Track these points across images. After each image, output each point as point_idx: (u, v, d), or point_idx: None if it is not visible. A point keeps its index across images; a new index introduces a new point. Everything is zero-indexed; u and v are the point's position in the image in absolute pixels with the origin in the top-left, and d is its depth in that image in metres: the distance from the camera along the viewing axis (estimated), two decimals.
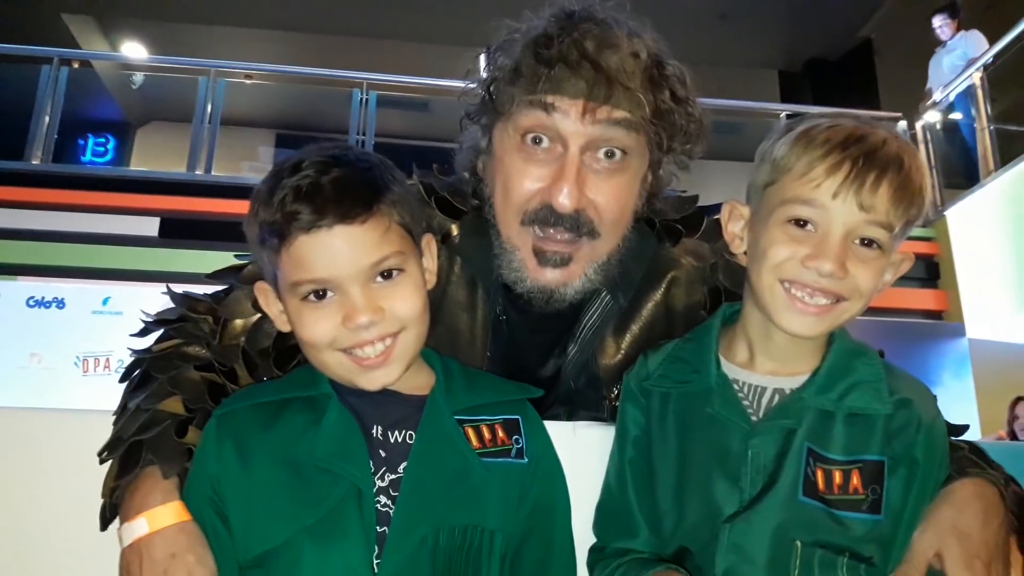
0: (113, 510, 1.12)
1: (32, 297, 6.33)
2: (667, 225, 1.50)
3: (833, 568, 1.01)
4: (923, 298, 7.15)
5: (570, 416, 1.40)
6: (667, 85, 1.33)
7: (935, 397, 1.10)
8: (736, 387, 1.12)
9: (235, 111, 8.29)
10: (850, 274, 1.03)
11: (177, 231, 6.75)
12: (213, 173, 7.53)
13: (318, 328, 1.05)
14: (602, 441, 1.24)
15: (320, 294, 1.04)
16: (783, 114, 8.06)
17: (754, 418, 1.08)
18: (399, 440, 1.08)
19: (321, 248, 1.02)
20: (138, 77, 9.71)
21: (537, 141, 1.31)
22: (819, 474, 1.03)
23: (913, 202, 1.04)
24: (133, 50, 10.85)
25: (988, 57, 7.28)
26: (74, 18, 9.96)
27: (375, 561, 1.01)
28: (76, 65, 8.53)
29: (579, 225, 1.30)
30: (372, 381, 1.07)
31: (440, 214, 1.45)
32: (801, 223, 1.05)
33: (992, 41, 7.41)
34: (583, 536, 1.20)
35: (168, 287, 1.37)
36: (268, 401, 1.11)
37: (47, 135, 7.44)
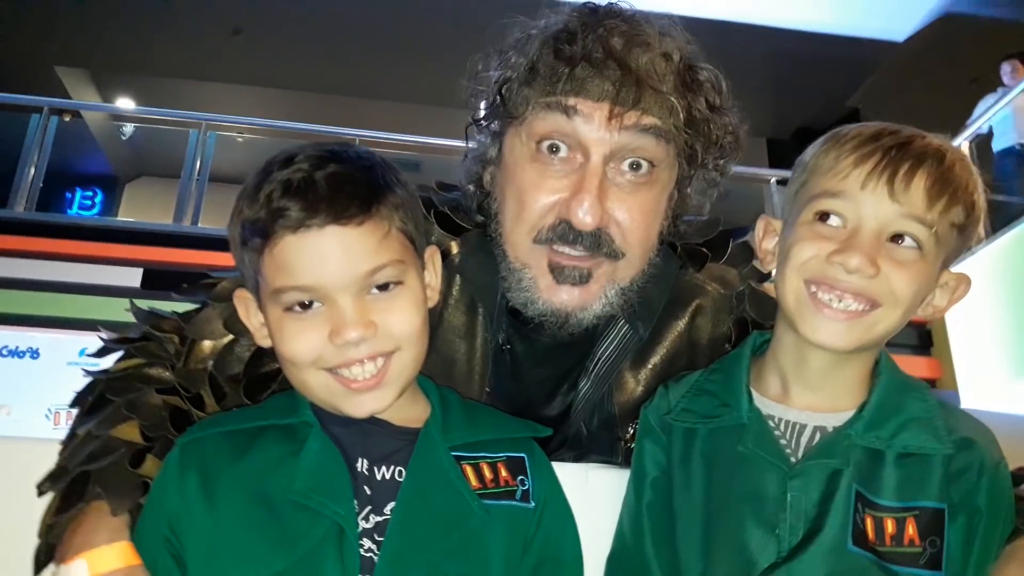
0: (49, 551, 0.96)
1: (6, 347, 6.13)
2: (691, 249, 1.37)
3: None
4: (916, 366, 7.05)
5: (579, 461, 1.25)
6: (701, 91, 1.19)
7: (996, 439, 0.97)
8: (771, 423, 0.99)
9: (224, 167, 8.25)
10: (883, 274, 0.91)
11: (160, 282, 6.60)
12: (200, 225, 7.43)
13: (301, 343, 0.92)
14: (617, 486, 1.10)
15: (306, 304, 0.92)
16: (773, 180, 8.09)
17: (793, 459, 0.96)
18: (387, 477, 0.94)
19: (309, 251, 0.89)
20: (128, 128, 9.70)
21: (554, 149, 1.17)
22: (869, 522, 0.90)
23: (956, 200, 0.92)
24: (126, 105, 10.87)
25: (972, 129, 7.37)
26: (68, 71, 9.98)
27: None
28: (68, 118, 8.50)
29: (600, 243, 1.16)
30: (360, 407, 0.94)
31: (440, 230, 1.30)
32: (828, 217, 0.95)
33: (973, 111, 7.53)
34: None
35: (132, 302, 1.22)
36: (241, 429, 0.97)
37: (32, 185, 7.34)
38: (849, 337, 0.94)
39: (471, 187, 1.32)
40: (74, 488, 0.97)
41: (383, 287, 0.93)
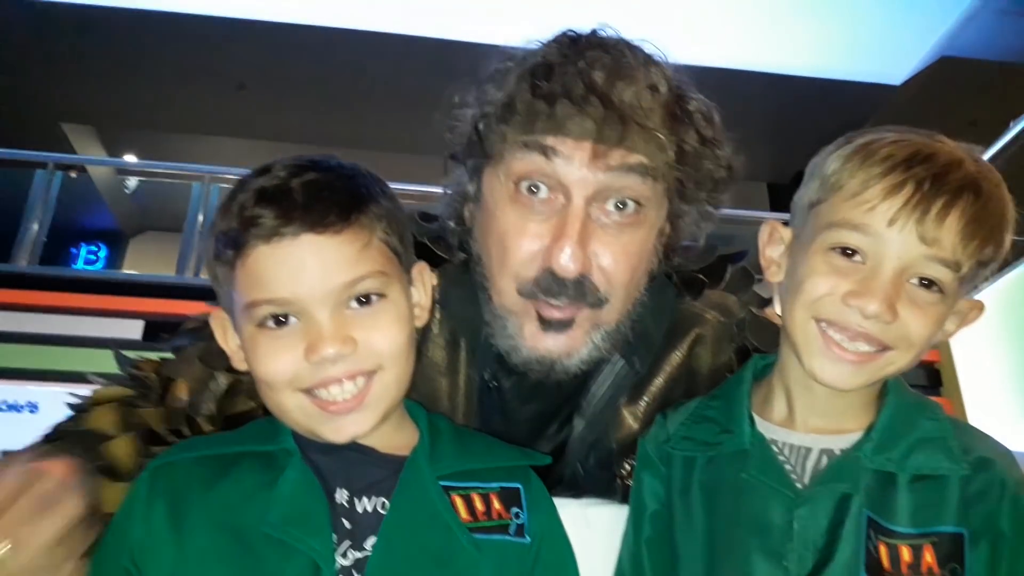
0: None
1: (4, 401, 6.07)
2: (687, 277, 1.30)
3: None
4: (939, 404, 6.96)
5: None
6: (691, 123, 1.12)
7: (1015, 458, 0.91)
8: (775, 448, 0.94)
9: None
10: (900, 319, 0.85)
11: (161, 333, 6.57)
12: (203, 276, 7.42)
13: (275, 361, 0.86)
14: (616, 523, 1.05)
15: (281, 319, 0.86)
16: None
17: (799, 484, 0.90)
18: (368, 509, 0.88)
19: (283, 261, 0.84)
20: (132, 182, 9.76)
21: (534, 190, 1.09)
22: (883, 550, 0.84)
23: (990, 239, 0.86)
24: (131, 160, 10.98)
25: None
26: (73, 127, 10.08)
27: None
28: (73, 174, 8.57)
29: (584, 293, 1.09)
30: (339, 431, 0.88)
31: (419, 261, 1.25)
32: (848, 252, 0.87)
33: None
34: None
35: (115, 350, 1.18)
36: (217, 455, 0.91)
37: (36, 240, 7.36)
38: (857, 380, 0.89)
39: (451, 223, 1.26)
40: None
41: (364, 301, 0.88)
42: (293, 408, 0.88)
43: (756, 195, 11.02)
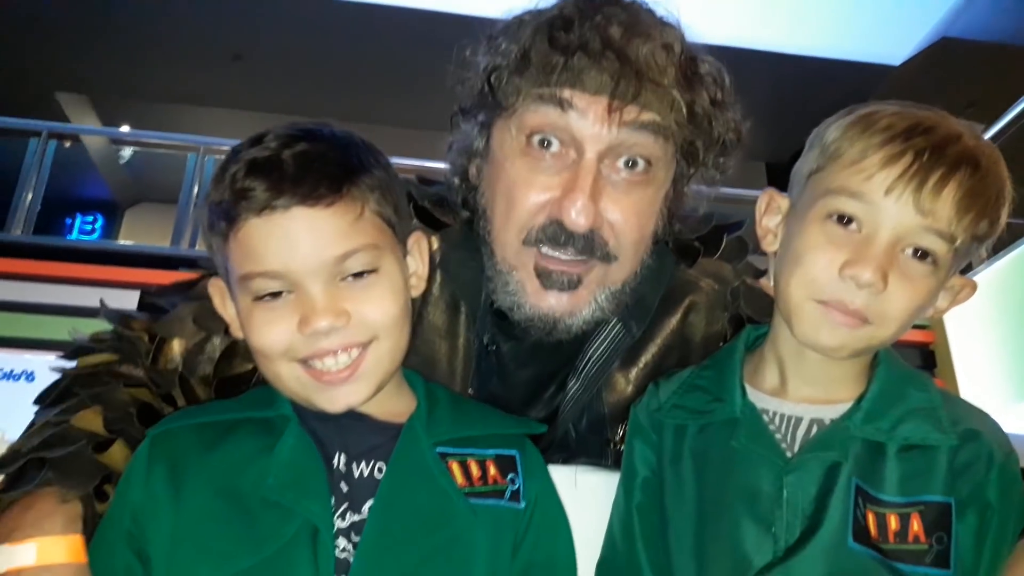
0: None
1: (1, 370, 6.08)
2: (683, 244, 1.31)
3: None
4: (928, 376, 7.01)
5: (566, 463, 1.20)
6: (703, 85, 1.13)
7: (1003, 430, 0.92)
8: (766, 418, 0.94)
9: None
10: (888, 291, 0.85)
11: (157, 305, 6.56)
12: (198, 248, 7.40)
13: (270, 333, 0.87)
14: (607, 488, 1.05)
15: (275, 292, 0.86)
16: None
17: (788, 453, 0.91)
18: (365, 474, 0.89)
19: (275, 234, 0.84)
20: (126, 152, 9.70)
21: (546, 144, 1.10)
22: (871, 518, 0.85)
23: (985, 213, 0.86)
24: (125, 130, 10.92)
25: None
26: (68, 96, 10.00)
27: None
28: (68, 144, 8.51)
29: (593, 247, 1.10)
30: (333, 401, 0.88)
31: (419, 225, 1.22)
32: (844, 220, 0.87)
33: None
34: None
35: (102, 302, 1.17)
36: (215, 421, 0.92)
37: (30, 209, 7.32)
38: (850, 343, 0.89)
39: (456, 180, 1.26)
40: (24, 472, 0.92)
41: (358, 275, 0.88)
42: (289, 378, 0.89)
43: (754, 175, 11.00)
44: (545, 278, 1.12)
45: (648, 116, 1.08)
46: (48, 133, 7.55)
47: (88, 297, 6.41)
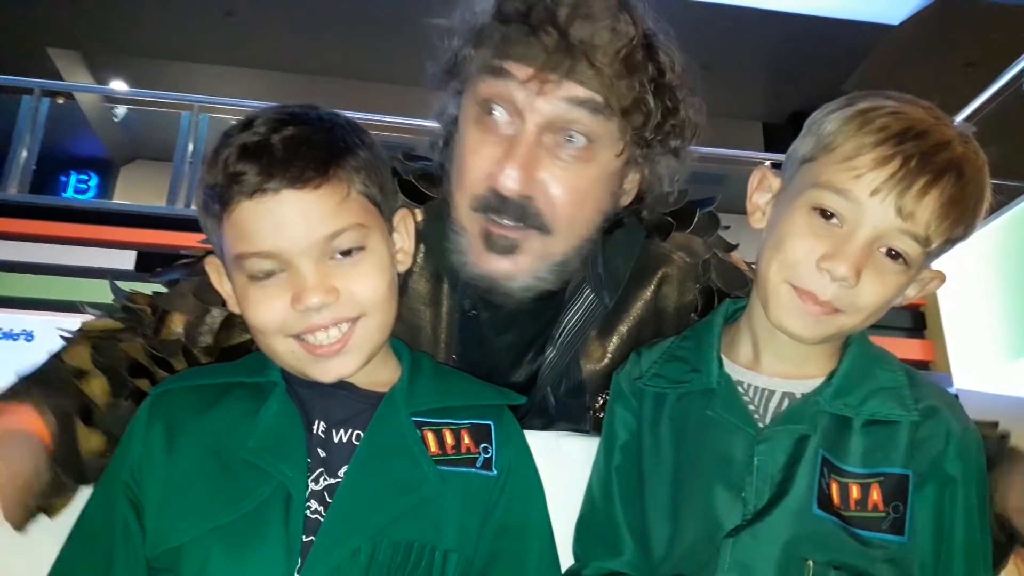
0: None
1: (0, 329, 6.12)
2: (657, 219, 1.35)
3: None
4: (910, 348, 7.07)
5: (546, 429, 1.24)
6: (655, 71, 1.15)
7: (962, 407, 0.97)
8: (741, 389, 0.99)
9: None
10: (859, 285, 0.90)
11: (154, 265, 6.58)
12: (193, 207, 7.39)
13: (265, 310, 0.92)
14: (587, 453, 1.10)
15: (268, 270, 0.91)
16: (768, 164, 8.05)
17: (760, 424, 0.96)
18: (343, 440, 0.95)
19: (267, 216, 0.88)
20: (120, 110, 9.64)
21: (495, 113, 1.14)
22: (834, 487, 0.90)
23: (962, 220, 0.90)
24: (119, 87, 10.81)
25: (967, 112, 7.34)
26: (60, 52, 9.91)
27: (296, 575, 0.87)
28: (61, 100, 8.45)
29: (526, 215, 1.14)
30: (326, 372, 0.94)
31: (404, 199, 1.27)
32: (828, 214, 0.91)
33: (970, 98, 7.49)
34: (564, 561, 1.05)
35: (111, 281, 1.24)
36: (211, 384, 0.98)
37: (25, 167, 7.30)
38: (817, 331, 0.94)
39: (441, 146, 1.30)
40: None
41: (346, 253, 0.92)
42: (283, 352, 0.94)
43: (751, 135, 10.98)
44: (487, 240, 1.17)
45: (584, 92, 1.11)
46: (41, 91, 7.50)
47: (87, 257, 6.45)
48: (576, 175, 1.15)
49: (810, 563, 0.88)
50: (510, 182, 1.11)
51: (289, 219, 0.89)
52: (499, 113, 1.14)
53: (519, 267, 1.18)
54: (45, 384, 1.00)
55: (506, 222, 1.15)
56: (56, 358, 1.07)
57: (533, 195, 1.13)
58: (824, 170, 0.92)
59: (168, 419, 0.95)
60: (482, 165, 1.15)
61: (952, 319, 6.89)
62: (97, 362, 1.05)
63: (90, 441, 0.98)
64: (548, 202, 1.14)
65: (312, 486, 0.91)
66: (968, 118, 7.24)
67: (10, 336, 6.14)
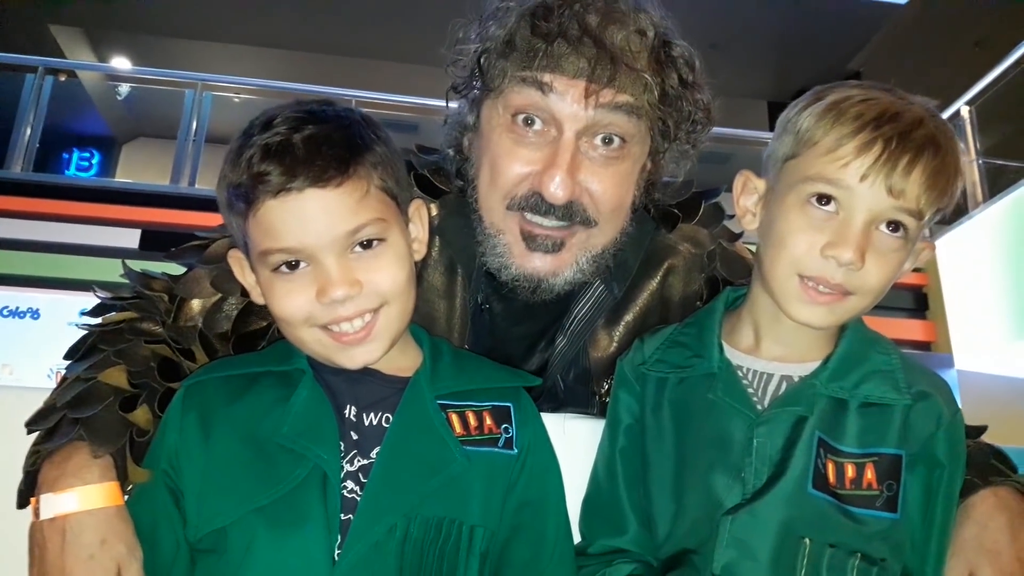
0: (30, 480, 0.99)
1: (6, 307, 6.16)
2: (663, 211, 1.40)
3: (843, 570, 0.92)
4: (911, 329, 7.10)
5: (554, 412, 1.29)
6: (674, 67, 1.21)
7: (952, 392, 1.01)
8: (740, 373, 1.03)
9: (221, 128, 8.20)
10: (864, 268, 0.93)
11: (158, 243, 6.61)
12: (197, 186, 7.41)
13: (291, 303, 0.96)
14: (593, 435, 1.15)
15: (292, 265, 0.95)
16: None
17: (759, 407, 1.00)
18: (374, 423, 0.99)
19: (291, 214, 0.92)
20: (124, 88, 9.62)
21: (529, 122, 1.19)
22: (830, 467, 0.94)
23: (947, 190, 0.94)
24: (121, 64, 10.78)
25: (975, 92, 7.31)
26: (62, 29, 9.87)
27: (336, 551, 0.91)
28: (63, 78, 8.43)
29: (572, 214, 1.19)
30: (352, 359, 0.98)
31: (419, 193, 1.32)
32: (823, 201, 0.95)
33: (979, 77, 7.45)
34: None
35: (124, 264, 1.26)
36: (240, 374, 1.03)
37: (29, 145, 7.30)
38: (830, 318, 0.98)
39: (451, 151, 1.34)
40: (60, 426, 1.01)
41: (366, 245, 0.96)
42: (311, 341, 0.98)
43: (756, 113, 10.93)
44: (530, 241, 1.21)
45: (623, 98, 1.17)
46: (45, 69, 7.49)
47: (92, 235, 6.48)
48: (614, 172, 1.20)
49: (807, 541, 0.92)
50: (559, 191, 1.16)
51: (312, 216, 0.92)
52: (534, 122, 1.18)
53: (563, 262, 1.23)
54: (93, 426, 1.00)
55: (550, 223, 1.19)
56: (94, 378, 1.06)
57: (578, 197, 1.18)
58: (811, 164, 0.96)
59: (202, 409, 0.99)
60: (519, 169, 1.19)
61: (954, 300, 6.91)
62: (135, 383, 1.07)
63: (137, 475, 1.00)
64: (591, 200, 1.20)
65: (347, 467, 0.95)
66: (976, 97, 7.22)
67: (16, 314, 6.18)
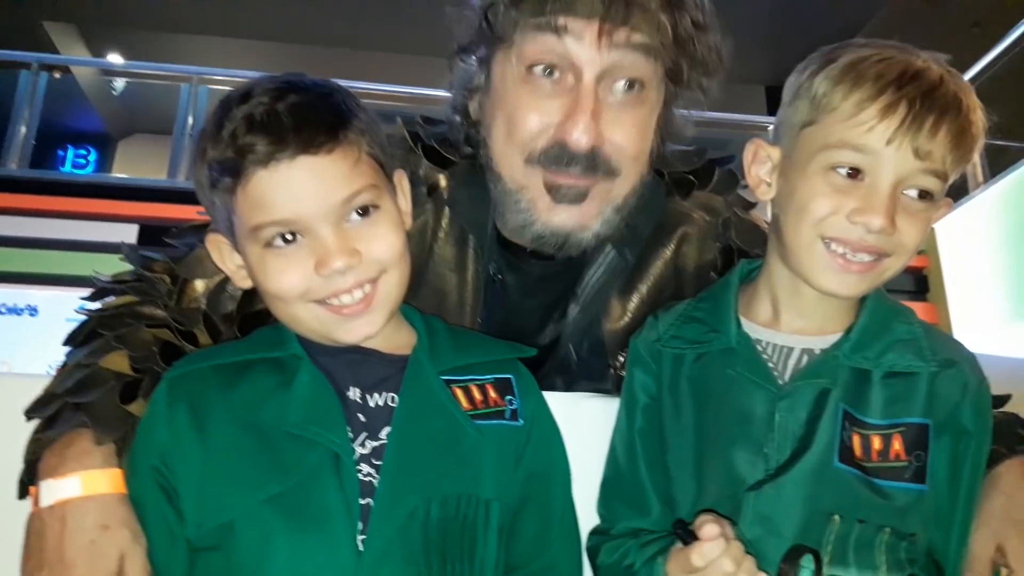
0: (31, 470, 0.96)
1: (4, 304, 6.14)
2: (677, 177, 1.36)
3: (871, 546, 0.89)
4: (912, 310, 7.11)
5: (569, 387, 1.27)
6: (685, 8, 1.18)
7: (977, 360, 0.98)
8: (759, 347, 1.00)
9: None
10: (898, 229, 0.91)
11: (156, 238, 6.56)
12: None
13: (287, 278, 0.91)
14: (607, 414, 1.12)
15: (287, 238, 0.91)
16: (771, 128, 8.00)
17: (780, 380, 0.97)
18: (380, 404, 0.95)
19: (283, 183, 0.88)
20: (119, 83, 9.55)
21: (547, 72, 1.15)
22: (856, 440, 0.92)
23: (972, 149, 0.92)
24: (116, 60, 10.72)
25: (973, 72, 7.28)
26: (56, 26, 9.80)
27: (359, 538, 0.87)
28: (58, 74, 8.37)
29: (596, 164, 1.16)
30: (353, 332, 0.94)
31: (427, 164, 1.29)
32: (850, 172, 0.92)
33: (977, 58, 7.42)
34: (585, 517, 1.08)
35: (124, 244, 1.22)
36: (229, 363, 0.97)
37: (24, 142, 7.27)
38: (861, 286, 0.95)
39: (457, 118, 1.31)
40: (60, 414, 0.97)
41: (362, 213, 0.93)
42: (308, 318, 0.94)
43: (754, 98, 10.88)
44: (555, 192, 1.18)
45: (638, 37, 1.14)
46: (39, 65, 7.44)
47: (90, 231, 6.44)
48: (635, 117, 1.18)
49: (836, 518, 0.89)
50: (583, 136, 1.13)
51: (306, 185, 0.89)
52: (552, 71, 1.15)
53: (589, 213, 1.20)
54: (96, 413, 0.97)
55: (574, 171, 1.16)
56: (95, 364, 1.03)
57: (601, 144, 1.15)
58: (832, 130, 0.93)
59: (191, 400, 0.94)
60: (540, 120, 1.16)
61: (954, 282, 6.90)
62: (137, 368, 1.03)
63: None
64: (614, 147, 1.17)
65: (359, 450, 0.92)
66: (975, 78, 7.19)
67: (15, 311, 6.16)
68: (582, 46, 1.13)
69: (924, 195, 0.92)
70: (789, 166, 0.99)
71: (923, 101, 0.89)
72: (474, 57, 1.25)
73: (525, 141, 1.17)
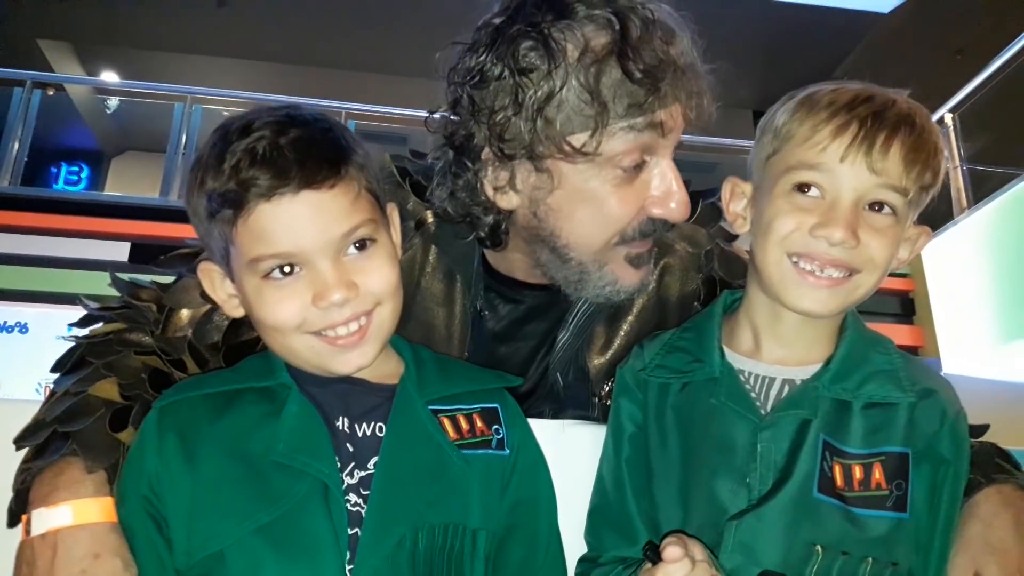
0: (21, 499, 0.96)
1: None
2: None
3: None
4: (899, 334, 7.14)
5: (556, 415, 1.29)
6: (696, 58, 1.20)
7: (954, 390, 1.01)
8: (742, 377, 1.03)
9: None
10: (863, 243, 0.94)
11: (148, 256, 6.55)
12: None
13: (284, 309, 0.93)
14: (593, 441, 1.14)
15: (285, 270, 0.93)
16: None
17: (763, 410, 0.99)
18: (367, 433, 0.97)
19: (285, 218, 0.90)
20: (112, 102, 9.58)
21: (638, 167, 1.16)
22: (837, 470, 0.94)
23: (928, 165, 0.96)
24: (110, 78, 10.75)
25: (957, 100, 7.38)
26: (50, 44, 9.84)
27: (348, 567, 0.89)
28: (51, 92, 8.40)
29: (665, 224, 1.22)
30: (347, 363, 0.96)
31: (415, 199, 1.31)
32: (806, 188, 0.97)
33: (962, 85, 7.53)
34: (571, 544, 1.09)
35: (112, 274, 1.23)
36: (218, 391, 0.99)
37: (17, 159, 7.27)
38: (832, 303, 0.98)
39: (478, 213, 1.24)
40: (50, 442, 0.98)
41: (360, 246, 0.95)
42: (303, 348, 0.96)
43: (742, 123, 10.98)
44: (634, 261, 1.23)
45: (702, 106, 1.18)
46: (32, 82, 7.46)
47: (82, 249, 6.43)
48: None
49: (818, 548, 0.91)
50: (681, 208, 1.18)
51: (308, 219, 0.91)
52: (644, 165, 1.18)
53: (650, 268, 1.27)
54: (86, 441, 0.98)
55: (650, 239, 1.23)
56: (84, 391, 1.04)
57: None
58: (791, 154, 0.98)
59: (180, 429, 0.95)
60: (633, 210, 1.18)
61: (941, 305, 6.96)
62: (127, 395, 1.05)
63: None
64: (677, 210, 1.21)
65: (348, 480, 0.93)
66: (960, 104, 7.29)
67: (4, 328, 6.13)
68: (674, 135, 1.17)
69: (885, 209, 0.96)
70: (758, 196, 1.04)
71: (874, 120, 0.94)
72: (527, 162, 1.17)
73: (617, 230, 1.19)
